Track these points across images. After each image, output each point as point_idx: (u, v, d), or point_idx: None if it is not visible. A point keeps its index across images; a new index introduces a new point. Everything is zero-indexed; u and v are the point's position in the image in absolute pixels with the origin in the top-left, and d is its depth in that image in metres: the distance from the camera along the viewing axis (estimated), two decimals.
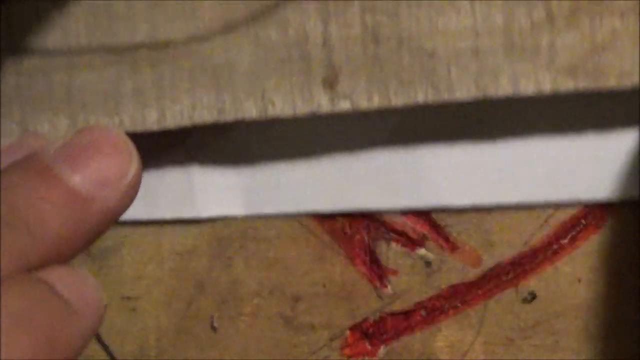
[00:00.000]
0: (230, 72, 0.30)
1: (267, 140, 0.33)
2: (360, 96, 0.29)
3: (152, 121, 0.31)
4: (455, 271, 0.33)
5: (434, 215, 0.33)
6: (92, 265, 0.35)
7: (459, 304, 0.34)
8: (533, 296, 0.33)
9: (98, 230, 0.23)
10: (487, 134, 0.31)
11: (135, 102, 0.31)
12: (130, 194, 0.23)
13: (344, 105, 0.29)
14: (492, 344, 0.34)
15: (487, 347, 0.34)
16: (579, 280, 0.32)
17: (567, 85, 0.27)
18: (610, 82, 0.26)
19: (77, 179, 0.22)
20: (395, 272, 0.34)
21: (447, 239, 0.33)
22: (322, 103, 0.29)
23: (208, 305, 0.35)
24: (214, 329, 0.35)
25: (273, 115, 0.30)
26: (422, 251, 0.34)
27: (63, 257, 0.22)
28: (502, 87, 0.27)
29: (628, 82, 0.26)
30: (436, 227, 0.33)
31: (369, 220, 0.34)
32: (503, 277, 0.33)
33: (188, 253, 0.35)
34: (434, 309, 0.34)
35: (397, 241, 0.34)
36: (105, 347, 0.33)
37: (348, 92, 0.29)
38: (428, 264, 0.34)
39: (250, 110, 0.30)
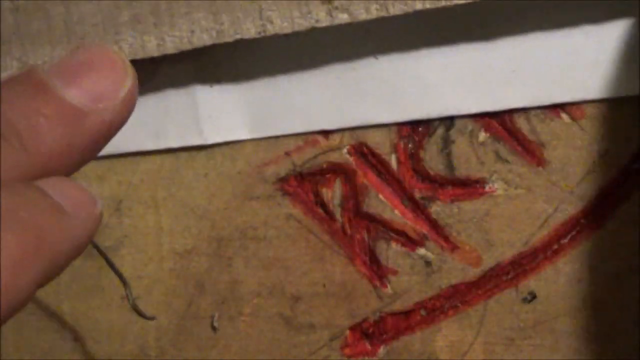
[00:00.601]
0: None
1: (268, 62, 0.33)
2: (358, 7, 0.29)
3: (152, 48, 0.31)
4: (455, 271, 0.33)
5: (434, 215, 0.33)
6: (92, 265, 0.35)
7: (459, 304, 0.34)
8: (533, 296, 0.33)
9: (94, 146, 0.23)
10: (489, 38, 0.31)
11: (134, 31, 0.31)
12: (125, 109, 0.23)
13: (342, 18, 0.29)
14: (492, 344, 0.34)
15: (487, 347, 0.34)
16: (579, 280, 0.32)
17: None
18: None
19: (72, 93, 0.22)
20: (395, 272, 0.34)
21: (447, 239, 0.33)
22: (320, 17, 0.29)
23: (208, 305, 0.35)
24: (214, 329, 0.35)
25: (272, 32, 0.30)
26: (422, 251, 0.34)
27: (60, 171, 0.22)
28: None
29: None
30: (436, 227, 0.33)
31: (369, 220, 0.34)
32: (503, 277, 0.33)
33: (188, 253, 0.35)
34: (434, 309, 0.34)
35: (397, 241, 0.34)
36: (119, 275, 0.33)
37: (345, 4, 0.29)
38: (428, 264, 0.34)
39: (249, 30, 0.30)
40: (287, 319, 0.35)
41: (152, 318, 0.34)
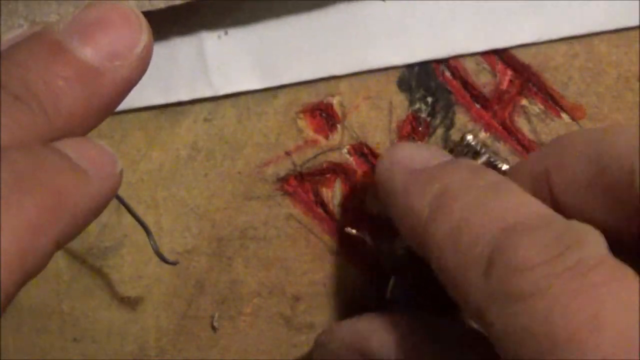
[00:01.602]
0: None
1: (275, 10, 0.33)
2: None
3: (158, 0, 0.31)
4: None
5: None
6: (92, 265, 0.35)
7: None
8: None
9: (111, 103, 0.23)
10: None
11: None
12: (142, 65, 0.23)
13: None
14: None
15: None
16: None
17: None
18: None
19: (88, 52, 0.22)
20: (394, 272, 0.34)
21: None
22: None
23: (208, 305, 0.35)
24: (214, 329, 0.35)
25: None
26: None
27: (78, 130, 0.22)
28: None
29: None
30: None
31: (369, 220, 0.34)
32: None
33: (188, 253, 0.35)
34: (434, 309, 0.34)
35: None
36: (141, 223, 0.33)
37: None
38: (428, 263, 0.34)
39: None
40: (287, 319, 0.35)
41: (175, 263, 0.33)
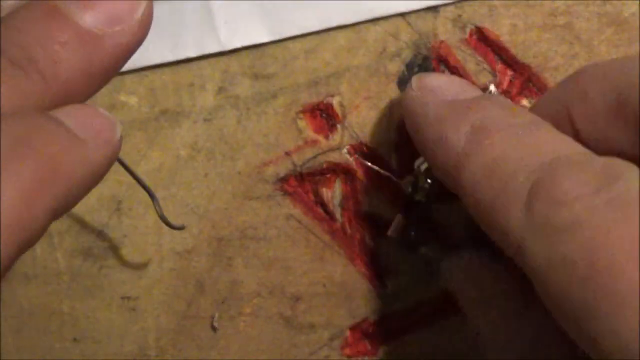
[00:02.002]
0: None
1: None
2: None
3: None
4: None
5: (434, 214, 0.33)
6: (93, 266, 0.35)
7: (459, 304, 0.34)
8: (534, 297, 0.33)
9: (111, 69, 0.22)
10: None
11: None
12: (142, 29, 0.23)
13: None
14: (492, 344, 0.34)
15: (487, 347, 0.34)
16: None
17: None
18: None
19: (87, 17, 0.22)
20: (395, 272, 0.34)
21: (447, 239, 0.33)
22: None
23: (208, 305, 0.35)
24: (214, 329, 0.35)
25: None
26: (422, 251, 0.34)
27: (77, 97, 0.22)
28: None
29: None
30: (437, 227, 0.34)
31: (369, 220, 0.34)
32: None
33: (188, 253, 0.35)
34: (434, 309, 0.34)
35: (397, 241, 0.34)
36: (145, 188, 0.33)
37: None
38: (428, 264, 0.34)
39: None
40: (287, 319, 0.35)
41: (181, 228, 0.33)
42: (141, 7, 0.22)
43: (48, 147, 0.20)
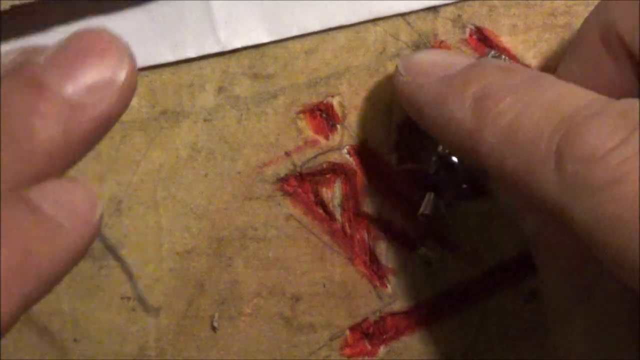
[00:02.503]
0: None
1: None
2: None
3: None
4: (455, 271, 0.33)
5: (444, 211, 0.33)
6: (92, 265, 0.35)
7: (459, 304, 0.34)
8: (533, 295, 0.33)
9: (92, 138, 0.22)
10: None
11: None
12: (124, 96, 0.22)
13: None
14: (492, 344, 0.34)
15: (487, 346, 0.34)
16: None
17: None
18: None
19: (68, 88, 0.21)
20: (395, 272, 0.34)
21: (447, 239, 0.33)
22: None
23: (208, 306, 0.35)
24: (214, 329, 0.35)
25: None
26: (422, 251, 0.34)
27: (57, 168, 0.21)
28: None
29: None
30: (436, 227, 0.34)
31: (369, 220, 0.34)
32: (503, 277, 0.33)
33: (188, 253, 0.35)
34: (434, 309, 0.34)
35: (397, 241, 0.34)
36: (121, 262, 0.33)
37: None
38: (428, 264, 0.34)
39: None
40: (287, 319, 0.35)
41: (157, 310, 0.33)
42: (122, 73, 0.22)
43: (21, 237, 0.19)
